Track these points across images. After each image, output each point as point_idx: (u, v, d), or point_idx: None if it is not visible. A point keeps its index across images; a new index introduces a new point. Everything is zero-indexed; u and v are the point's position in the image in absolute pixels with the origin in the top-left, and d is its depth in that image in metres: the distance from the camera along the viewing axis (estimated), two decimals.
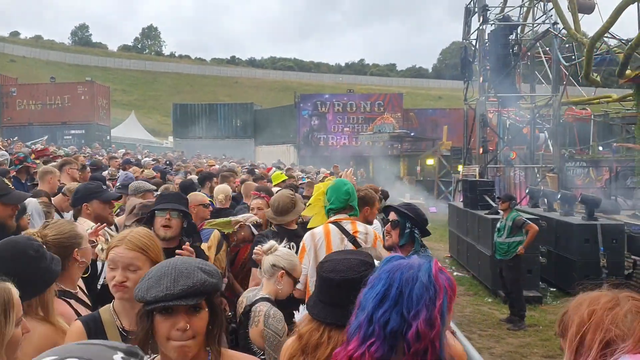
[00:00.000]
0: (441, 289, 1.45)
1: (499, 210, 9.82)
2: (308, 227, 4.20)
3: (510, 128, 21.20)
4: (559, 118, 18.60)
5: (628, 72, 14.06)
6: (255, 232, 4.61)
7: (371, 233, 3.91)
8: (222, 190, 6.21)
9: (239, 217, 4.69)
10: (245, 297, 3.13)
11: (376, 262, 2.00)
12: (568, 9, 17.15)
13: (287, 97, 50.89)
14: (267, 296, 3.02)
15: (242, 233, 4.63)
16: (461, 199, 16.19)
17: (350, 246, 3.75)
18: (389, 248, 3.53)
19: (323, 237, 3.84)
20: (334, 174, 12.90)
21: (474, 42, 19.57)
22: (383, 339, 1.42)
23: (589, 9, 17.76)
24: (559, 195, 12.03)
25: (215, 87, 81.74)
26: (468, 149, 20.64)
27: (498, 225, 9.42)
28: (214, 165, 15.67)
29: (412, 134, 32.10)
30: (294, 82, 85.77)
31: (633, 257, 10.73)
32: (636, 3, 12.20)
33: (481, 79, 18.17)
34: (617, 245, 10.16)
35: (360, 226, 3.94)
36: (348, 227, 3.89)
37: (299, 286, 3.55)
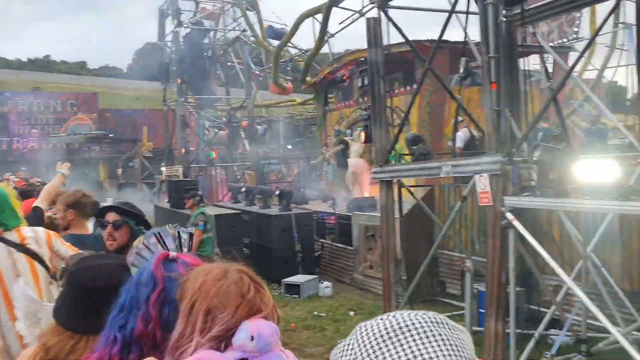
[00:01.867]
0: (161, 281, 1.50)
1: (188, 209, 9.97)
2: None
3: (210, 129, 22.01)
4: (253, 119, 20.10)
5: (308, 79, 16.04)
6: None
7: (42, 235, 3.54)
8: None
9: None
10: None
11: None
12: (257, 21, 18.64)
13: None
14: None
15: None
16: (166, 200, 16.26)
17: (22, 258, 3.38)
18: (119, 251, 3.24)
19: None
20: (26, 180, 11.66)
21: (169, 44, 19.77)
22: (121, 344, 1.48)
23: (280, 37, 19.55)
24: (257, 190, 13.09)
25: None
26: (170, 150, 20.80)
27: (188, 223, 9.64)
28: None
29: (110, 135, 30.80)
30: None
31: (321, 240, 12.35)
32: (312, 18, 14.05)
33: (179, 80, 18.49)
34: (308, 231, 11.53)
35: (27, 231, 3.53)
36: (13, 237, 3.43)
37: None
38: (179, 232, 2.85)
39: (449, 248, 9.96)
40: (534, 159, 5.20)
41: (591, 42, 7.04)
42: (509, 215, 5.50)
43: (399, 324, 0.77)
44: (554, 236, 7.49)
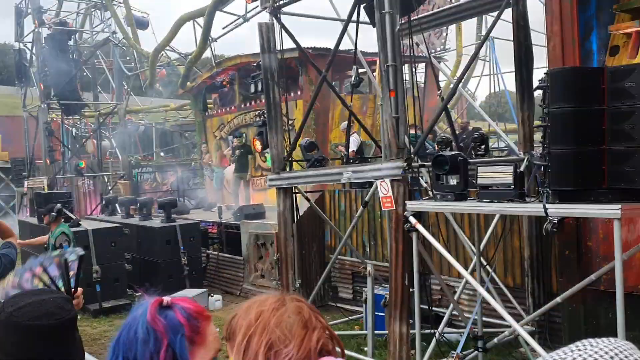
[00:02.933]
0: (164, 335, 1.28)
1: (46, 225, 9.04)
2: None
3: (77, 137, 20.55)
4: (126, 126, 19.04)
5: (189, 83, 15.50)
6: None
7: None
8: None
9: None
10: None
11: None
12: (126, 22, 17.72)
13: None
14: None
15: None
16: (28, 214, 14.87)
17: None
18: None
19: None
20: None
21: (29, 46, 18.15)
22: None
23: (143, 25, 18.82)
24: (136, 201, 12.38)
25: None
26: (32, 160, 19.08)
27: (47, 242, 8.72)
28: None
29: None
30: None
31: (207, 251, 11.95)
32: (192, 22, 13.58)
33: (41, 85, 17.01)
34: (194, 242, 11.09)
35: None
36: None
37: None
38: (65, 259, 2.52)
39: (340, 253, 10.08)
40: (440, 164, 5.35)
41: (477, 53, 7.50)
42: (412, 219, 5.64)
43: (611, 354, 0.79)
44: (442, 238, 7.84)
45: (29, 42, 18.05)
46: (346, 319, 8.57)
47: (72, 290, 2.42)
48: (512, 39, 6.96)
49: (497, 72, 15.40)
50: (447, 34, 16.25)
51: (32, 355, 1.59)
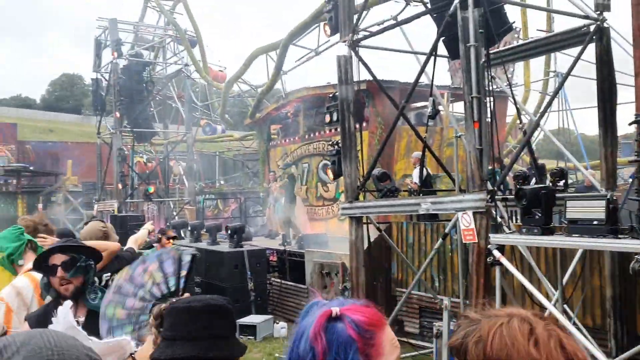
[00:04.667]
0: (321, 353, 1.17)
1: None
2: None
3: (146, 163, 21.36)
4: (193, 154, 19.65)
5: (258, 114, 15.96)
6: None
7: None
8: None
9: None
10: None
11: None
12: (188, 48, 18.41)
13: None
14: None
15: None
16: None
17: None
18: (76, 294, 2.85)
19: (32, 290, 3.22)
20: None
21: (106, 76, 19.12)
22: None
23: (192, 44, 19.59)
24: (206, 226, 12.69)
25: None
26: (103, 184, 19.91)
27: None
28: None
29: (30, 167, 29.09)
30: None
31: (272, 279, 12.05)
32: (266, 55, 14.02)
33: (117, 113, 17.85)
34: (260, 269, 11.21)
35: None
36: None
37: None
38: (180, 255, 2.61)
39: (407, 285, 9.97)
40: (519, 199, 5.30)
41: (558, 90, 7.41)
42: (496, 253, 5.58)
43: None
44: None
45: (106, 73, 19.00)
46: (415, 352, 8.43)
47: (180, 291, 2.51)
48: (581, 75, 6.88)
49: (565, 108, 15.12)
50: (514, 69, 16.13)
51: (193, 332, 1.72)
